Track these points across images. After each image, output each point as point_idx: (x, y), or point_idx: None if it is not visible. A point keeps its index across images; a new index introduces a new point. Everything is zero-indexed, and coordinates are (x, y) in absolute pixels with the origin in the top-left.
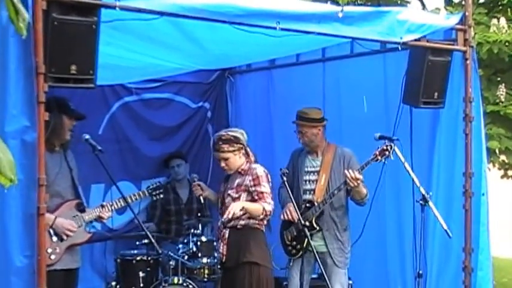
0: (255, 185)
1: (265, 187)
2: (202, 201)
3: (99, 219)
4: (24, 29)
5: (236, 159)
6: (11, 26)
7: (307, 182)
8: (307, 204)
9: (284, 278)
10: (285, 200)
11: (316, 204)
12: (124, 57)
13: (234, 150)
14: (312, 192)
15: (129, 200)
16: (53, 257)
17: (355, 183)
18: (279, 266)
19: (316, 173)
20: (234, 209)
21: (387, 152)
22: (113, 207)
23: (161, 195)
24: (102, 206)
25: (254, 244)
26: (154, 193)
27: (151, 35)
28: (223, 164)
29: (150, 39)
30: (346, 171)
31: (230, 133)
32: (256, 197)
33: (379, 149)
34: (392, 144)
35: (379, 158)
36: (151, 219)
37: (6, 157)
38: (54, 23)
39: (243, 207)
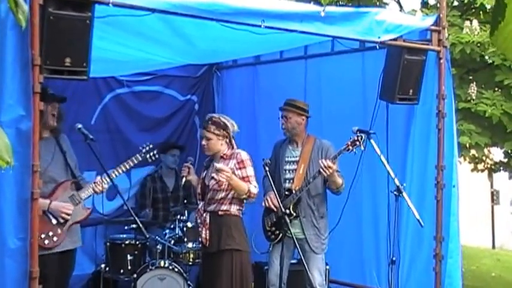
0: (240, 168)
1: (250, 170)
2: (183, 182)
3: (95, 193)
4: (23, 20)
5: (217, 143)
6: (9, 19)
7: (287, 172)
8: (287, 193)
9: (265, 263)
10: (267, 189)
11: (294, 192)
12: (116, 51)
13: (218, 135)
14: (291, 181)
15: (124, 168)
16: (55, 239)
17: (328, 172)
18: (260, 251)
19: (295, 163)
20: (226, 170)
21: (358, 143)
22: (107, 181)
23: (156, 156)
24: (95, 182)
25: (236, 230)
26: (149, 155)
27: (142, 30)
28: (204, 142)
29: (141, 34)
30: (320, 160)
31: (222, 118)
32: (242, 181)
33: (350, 140)
34: (363, 135)
35: (351, 148)
36: (142, 207)
37: (2, 141)
38: (50, 17)
39: (231, 177)
